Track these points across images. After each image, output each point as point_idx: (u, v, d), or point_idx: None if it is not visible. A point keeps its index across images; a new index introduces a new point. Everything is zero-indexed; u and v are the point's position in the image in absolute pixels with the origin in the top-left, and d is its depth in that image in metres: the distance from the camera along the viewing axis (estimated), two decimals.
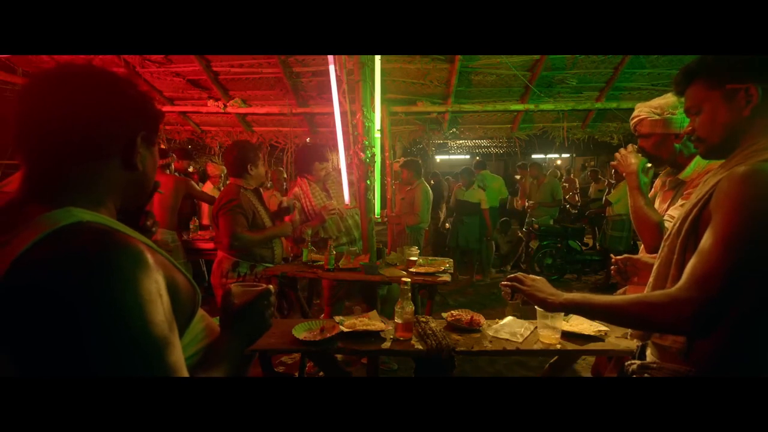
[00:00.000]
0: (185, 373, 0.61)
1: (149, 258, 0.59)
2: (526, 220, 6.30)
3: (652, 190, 1.73)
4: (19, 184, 0.64)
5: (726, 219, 0.85)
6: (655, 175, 1.75)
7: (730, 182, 0.87)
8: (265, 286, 0.84)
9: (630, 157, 1.60)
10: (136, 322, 0.55)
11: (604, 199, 5.94)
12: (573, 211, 7.99)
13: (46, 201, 0.61)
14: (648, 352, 1.07)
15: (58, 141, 0.63)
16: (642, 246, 1.63)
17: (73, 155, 0.64)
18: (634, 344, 1.19)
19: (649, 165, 1.62)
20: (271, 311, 0.84)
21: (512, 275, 1.24)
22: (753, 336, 0.88)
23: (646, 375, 1.03)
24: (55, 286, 0.52)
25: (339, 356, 2.85)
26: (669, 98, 1.52)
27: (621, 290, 1.73)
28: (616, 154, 1.66)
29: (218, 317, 0.82)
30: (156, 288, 0.58)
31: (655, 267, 1.06)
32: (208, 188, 4.51)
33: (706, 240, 0.87)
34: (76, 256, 0.54)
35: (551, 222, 6.21)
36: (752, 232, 0.82)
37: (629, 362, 1.10)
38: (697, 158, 1.51)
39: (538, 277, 1.18)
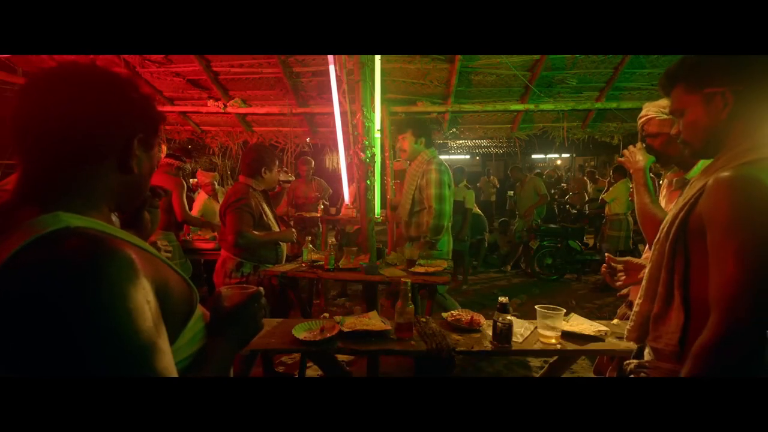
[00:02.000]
0: (172, 365, 0.61)
1: (137, 263, 0.58)
2: (516, 220, 6.36)
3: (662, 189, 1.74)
4: (14, 185, 0.63)
5: (728, 236, 0.83)
6: (658, 175, 1.75)
7: (716, 190, 0.87)
8: (255, 288, 0.83)
9: (637, 154, 1.62)
10: (122, 329, 0.54)
11: (600, 198, 5.95)
12: (573, 211, 8.00)
13: (37, 204, 0.60)
14: (645, 352, 1.08)
15: (52, 142, 0.62)
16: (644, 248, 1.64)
17: (67, 157, 0.63)
18: (633, 345, 1.19)
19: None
20: (262, 313, 0.83)
21: None
22: None
23: (642, 374, 1.03)
24: (39, 292, 0.51)
25: (348, 357, 2.86)
26: None
27: (624, 291, 1.73)
28: (624, 151, 1.67)
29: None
30: (143, 294, 0.58)
31: (647, 269, 1.07)
32: (201, 198, 4.22)
33: (719, 263, 0.83)
34: (61, 262, 0.53)
35: (539, 220, 6.23)
36: (757, 245, 0.80)
37: (627, 362, 1.11)
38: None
39: None
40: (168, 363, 0.60)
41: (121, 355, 0.54)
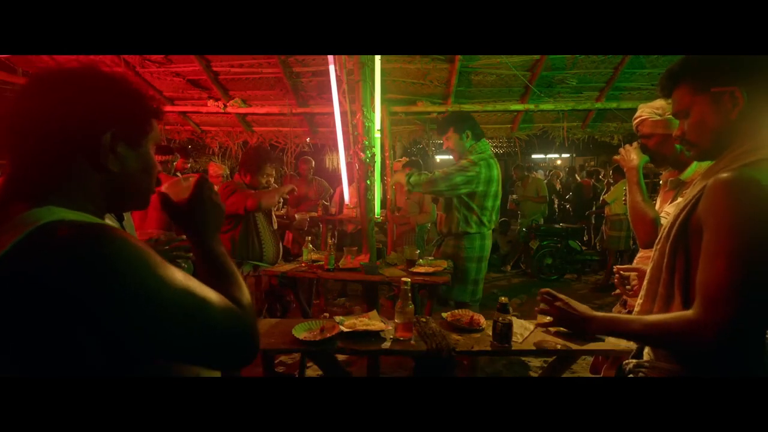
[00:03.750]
0: (226, 302, 0.66)
1: (135, 241, 0.59)
2: (519, 220, 6.34)
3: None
4: (3, 183, 0.64)
5: (722, 234, 0.84)
6: (656, 175, 1.76)
7: (715, 191, 0.86)
8: (195, 174, 0.82)
9: (632, 153, 1.63)
10: (151, 295, 0.56)
11: (600, 198, 5.95)
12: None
13: (26, 200, 0.60)
14: (645, 351, 1.08)
15: (30, 140, 0.63)
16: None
17: (43, 156, 0.63)
18: (633, 344, 1.19)
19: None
20: (217, 195, 0.83)
21: (546, 291, 1.16)
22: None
23: (641, 374, 1.03)
24: (44, 280, 0.52)
25: (348, 357, 2.86)
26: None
27: (618, 290, 1.73)
28: (620, 150, 1.68)
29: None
30: (155, 258, 0.59)
31: (648, 270, 1.07)
32: None
33: (709, 258, 0.85)
34: (65, 249, 0.53)
35: (541, 220, 6.21)
36: (749, 246, 0.81)
37: (626, 361, 1.11)
38: None
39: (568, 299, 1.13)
40: (211, 293, 0.64)
41: (156, 311, 0.57)
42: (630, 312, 1.22)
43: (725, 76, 0.90)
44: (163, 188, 0.80)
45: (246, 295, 0.73)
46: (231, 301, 0.67)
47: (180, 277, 0.61)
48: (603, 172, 8.34)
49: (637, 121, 1.62)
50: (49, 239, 0.54)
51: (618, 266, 1.50)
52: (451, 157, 2.94)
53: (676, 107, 1.02)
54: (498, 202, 2.79)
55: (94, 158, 0.65)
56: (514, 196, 6.88)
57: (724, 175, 0.86)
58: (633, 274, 1.45)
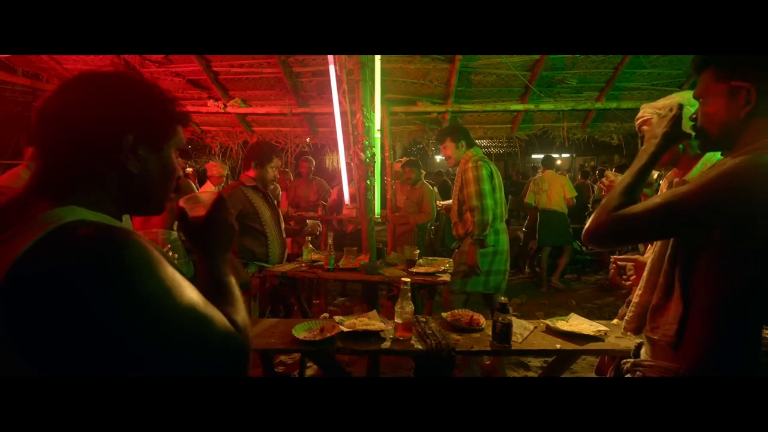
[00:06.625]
0: (225, 322, 0.66)
1: (151, 247, 0.60)
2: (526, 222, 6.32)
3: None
4: (28, 181, 0.65)
5: (689, 185, 0.88)
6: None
7: (716, 168, 0.87)
8: (214, 192, 0.83)
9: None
10: (154, 302, 0.57)
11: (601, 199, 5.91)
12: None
13: (50, 199, 0.61)
14: (642, 351, 1.08)
15: (56, 139, 0.65)
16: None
17: (68, 154, 0.65)
18: (632, 343, 1.20)
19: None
20: (231, 215, 0.83)
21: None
22: (734, 333, 0.88)
23: (638, 373, 1.03)
24: (62, 278, 0.52)
25: (348, 357, 2.85)
26: (673, 99, 1.52)
27: (625, 288, 1.73)
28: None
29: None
30: (164, 267, 0.60)
31: (649, 260, 1.08)
32: (207, 188, 4.44)
33: (664, 194, 0.92)
34: (84, 248, 0.54)
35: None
36: (696, 198, 0.85)
37: (624, 361, 1.11)
38: (703, 159, 1.51)
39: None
40: (213, 310, 0.65)
41: (163, 327, 0.58)
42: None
43: (746, 72, 0.89)
44: (181, 202, 0.81)
45: (243, 316, 0.73)
46: (228, 321, 0.67)
47: (189, 288, 0.62)
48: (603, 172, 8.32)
49: (639, 121, 1.61)
50: (70, 238, 0.55)
51: (615, 257, 1.49)
52: None
53: (697, 90, 1.00)
54: (502, 195, 2.91)
55: (115, 159, 0.67)
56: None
57: (737, 160, 0.84)
58: (630, 264, 1.44)
